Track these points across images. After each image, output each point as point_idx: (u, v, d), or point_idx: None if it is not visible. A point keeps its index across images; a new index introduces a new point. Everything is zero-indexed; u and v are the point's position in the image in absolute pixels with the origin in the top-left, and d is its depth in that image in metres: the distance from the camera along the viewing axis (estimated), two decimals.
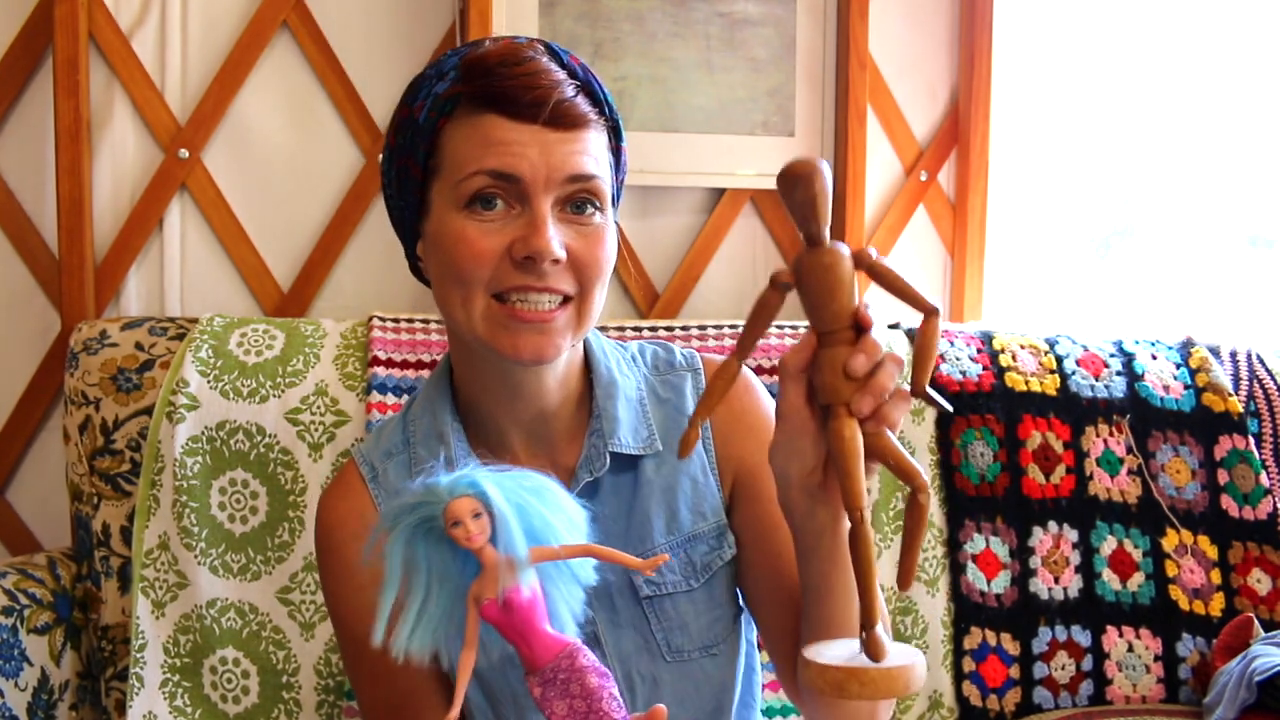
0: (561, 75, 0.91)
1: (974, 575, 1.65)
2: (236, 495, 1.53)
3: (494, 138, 0.89)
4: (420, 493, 0.73)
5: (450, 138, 0.91)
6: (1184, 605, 1.66)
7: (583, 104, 0.92)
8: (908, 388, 0.76)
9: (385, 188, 0.99)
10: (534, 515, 0.74)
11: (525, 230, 0.90)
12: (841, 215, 1.91)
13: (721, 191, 1.94)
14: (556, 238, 0.90)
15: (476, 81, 0.90)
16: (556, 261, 0.90)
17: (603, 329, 1.66)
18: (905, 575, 0.75)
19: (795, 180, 0.70)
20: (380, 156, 0.99)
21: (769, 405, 1.06)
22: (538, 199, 0.90)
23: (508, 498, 0.73)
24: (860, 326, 0.73)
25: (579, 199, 0.92)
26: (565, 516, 0.76)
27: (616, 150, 0.98)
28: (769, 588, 1.02)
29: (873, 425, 0.75)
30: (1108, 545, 1.68)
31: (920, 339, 0.74)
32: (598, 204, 0.93)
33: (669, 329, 1.70)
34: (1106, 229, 2.19)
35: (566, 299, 0.93)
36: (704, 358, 1.08)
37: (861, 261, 0.74)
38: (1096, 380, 1.73)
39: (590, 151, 0.92)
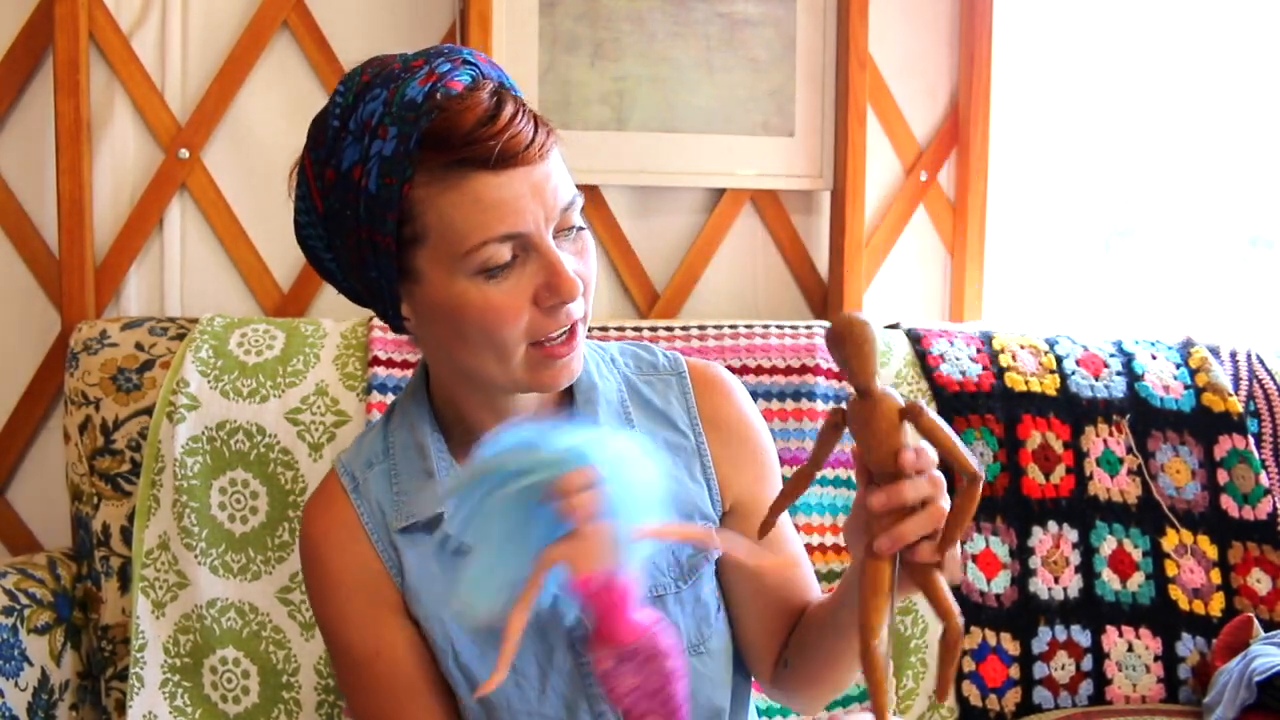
0: (512, 104, 0.89)
1: (974, 575, 1.65)
2: (237, 495, 1.53)
3: (490, 199, 0.86)
4: (524, 457, 0.73)
5: (432, 205, 0.87)
6: (1184, 605, 1.66)
7: (535, 122, 0.89)
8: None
9: (320, 258, 0.97)
10: (639, 493, 0.75)
11: (545, 276, 0.88)
12: (841, 215, 1.91)
13: (721, 191, 1.94)
14: (571, 272, 0.89)
15: (459, 150, 0.85)
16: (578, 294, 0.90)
17: (603, 329, 1.67)
18: (943, 689, 0.79)
19: (839, 339, 0.76)
20: (298, 219, 0.96)
21: (764, 428, 1.08)
22: (544, 244, 0.88)
23: (622, 475, 0.74)
24: (900, 471, 0.77)
25: (568, 220, 0.91)
26: (660, 491, 0.77)
27: None
28: (752, 591, 1.04)
29: (908, 558, 0.78)
30: (1107, 545, 1.68)
31: (959, 502, 0.77)
32: (582, 217, 0.93)
33: (669, 329, 1.70)
34: (1107, 229, 2.19)
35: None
36: (688, 360, 1.08)
37: (909, 414, 0.78)
38: (1096, 380, 1.73)
39: (564, 169, 0.91)
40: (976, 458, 0.80)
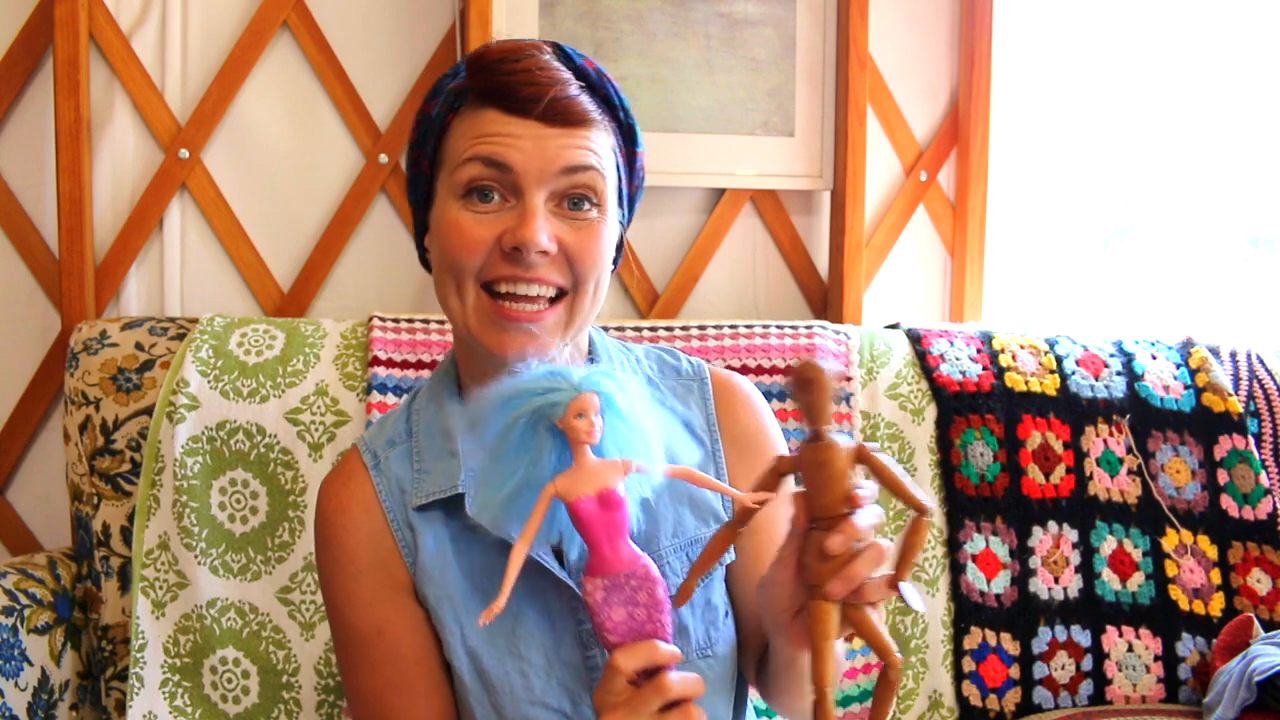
0: (564, 74, 0.93)
1: (974, 575, 1.65)
2: (236, 495, 1.53)
3: (489, 130, 0.92)
4: (547, 379, 0.77)
5: (454, 131, 0.94)
6: (1184, 605, 1.66)
7: (585, 102, 0.93)
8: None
9: (406, 184, 1.03)
10: (644, 432, 0.79)
11: (515, 221, 0.91)
12: (841, 215, 1.91)
13: (721, 191, 1.94)
14: (545, 229, 0.91)
15: (478, 77, 0.93)
16: (544, 253, 0.92)
17: (603, 329, 1.67)
18: None
19: (806, 384, 0.78)
20: (397, 156, 1.04)
21: (781, 443, 1.09)
22: (530, 191, 0.92)
23: (627, 406, 0.78)
24: (851, 509, 0.78)
25: (575, 194, 0.93)
26: (661, 436, 0.81)
27: (631, 156, 0.99)
28: (753, 594, 1.03)
29: (854, 599, 0.79)
30: (1108, 545, 1.68)
31: (907, 535, 0.80)
32: (594, 200, 0.94)
33: (669, 329, 1.70)
34: (1106, 229, 2.19)
35: (560, 295, 0.94)
36: (711, 369, 1.09)
37: (860, 457, 0.79)
38: (1096, 380, 1.73)
39: (589, 147, 0.93)
40: (924, 493, 0.81)
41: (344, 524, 1.00)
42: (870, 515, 0.79)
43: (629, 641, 0.80)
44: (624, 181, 1.00)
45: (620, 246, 1.04)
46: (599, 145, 0.94)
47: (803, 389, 0.79)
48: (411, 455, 1.01)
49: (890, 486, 0.80)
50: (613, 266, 1.03)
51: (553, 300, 0.94)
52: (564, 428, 0.77)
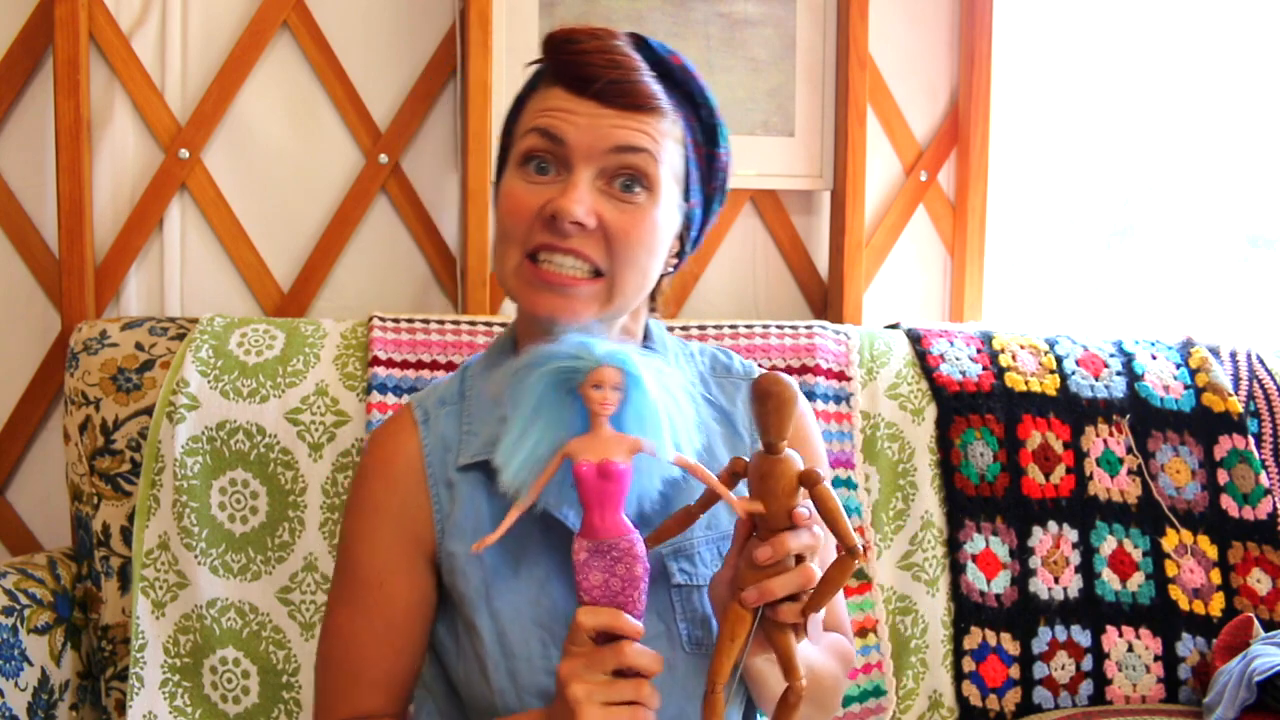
0: (633, 60, 0.96)
1: (974, 575, 1.65)
2: (236, 495, 1.53)
3: (551, 105, 0.96)
4: (576, 347, 0.81)
5: (526, 107, 1.00)
6: (1184, 605, 1.66)
7: (649, 89, 0.96)
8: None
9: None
10: (662, 416, 0.83)
11: (558, 192, 0.95)
12: (841, 215, 1.91)
13: None
14: (584, 202, 0.94)
15: (549, 55, 0.98)
16: (579, 225, 0.94)
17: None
18: None
19: (764, 395, 0.82)
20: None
21: (821, 452, 1.13)
22: (579, 166, 0.95)
23: (655, 389, 0.82)
24: (792, 525, 0.82)
25: (625, 175, 0.96)
26: (684, 423, 0.84)
27: (710, 155, 1.03)
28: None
29: (770, 613, 0.83)
30: (1107, 545, 1.68)
31: (832, 571, 0.83)
32: (645, 183, 0.96)
33: (669, 329, 1.70)
34: (1106, 229, 2.19)
35: (597, 274, 0.97)
36: (761, 370, 1.11)
37: (806, 481, 0.83)
38: (1096, 380, 1.73)
39: (644, 131, 0.96)
40: (857, 534, 0.85)
41: (384, 473, 1.04)
42: (804, 537, 0.82)
43: (602, 603, 0.84)
44: (698, 178, 1.02)
45: (697, 241, 1.07)
46: (659, 132, 0.96)
47: (759, 401, 0.82)
48: (461, 416, 1.04)
49: (827, 518, 0.83)
50: (678, 261, 1.06)
51: (591, 275, 0.97)
52: (582, 395, 0.81)
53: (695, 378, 1.08)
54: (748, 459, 0.86)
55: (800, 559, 0.85)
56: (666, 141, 0.97)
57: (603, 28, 0.99)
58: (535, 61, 1.01)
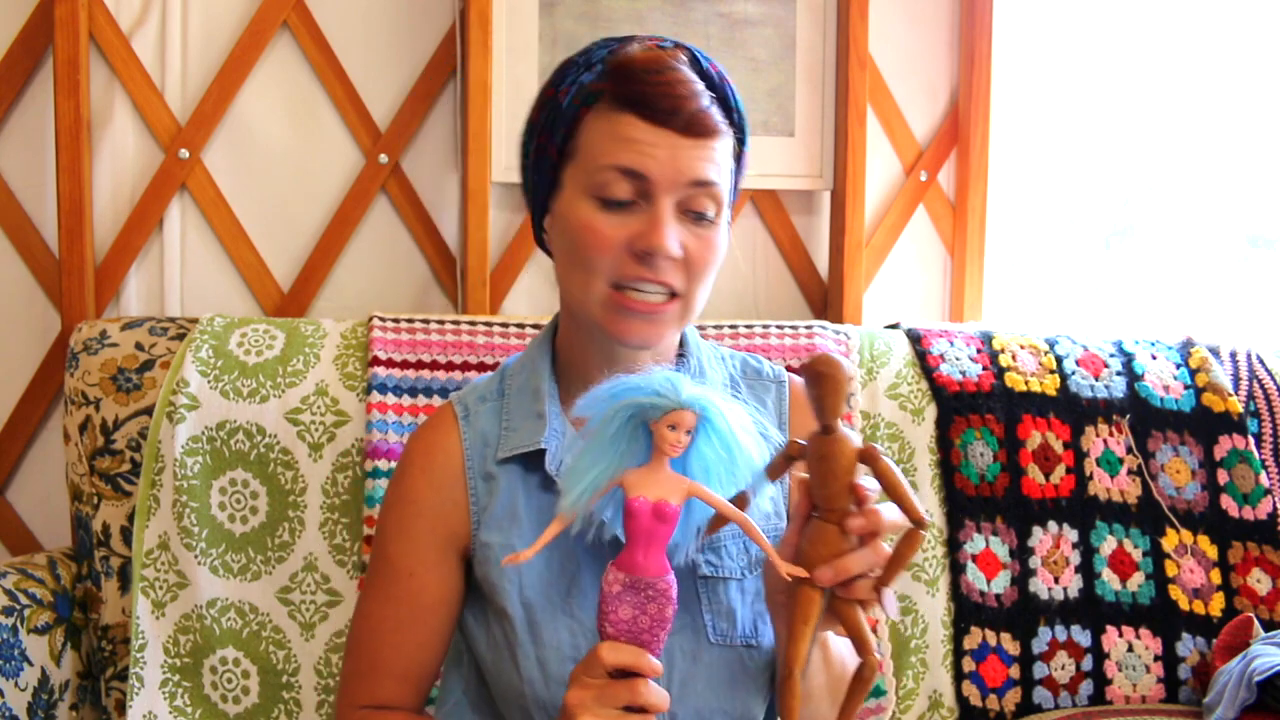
0: (699, 85, 0.98)
1: (974, 575, 1.65)
2: (236, 495, 1.53)
3: (629, 136, 0.96)
4: (661, 384, 0.82)
5: (589, 128, 0.99)
6: (1184, 605, 1.66)
7: (716, 114, 0.98)
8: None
9: (522, 159, 1.07)
10: (725, 463, 0.83)
11: (646, 226, 0.97)
12: (841, 215, 1.91)
13: None
14: (674, 236, 0.97)
15: (621, 83, 0.97)
16: (671, 258, 0.97)
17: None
18: None
19: (819, 377, 0.80)
20: (523, 133, 1.07)
21: None
22: (661, 198, 0.97)
23: (725, 432, 0.82)
24: (858, 500, 0.82)
25: (698, 204, 0.99)
26: (748, 468, 0.84)
27: (740, 154, 1.05)
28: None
29: (842, 592, 0.82)
30: (1107, 545, 1.68)
31: (900, 546, 0.82)
32: (715, 210, 1.00)
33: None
34: (1106, 228, 2.19)
35: (673, 295, 1.00)
36: (791, 376, 1.15)
37: (865, 457, 0.82)
38: (1096, 380, 1.73)
39: (715, 159, 0.99)
40: (924, 507, 0.84)
41: (424, 467, 1.07)
42: (893, 512, 0.82)
43: (623, 640, 0.84)
44: (734, 180, 1.06)
45: None
46: (722, 154, 1.00)
47: (814, 383, 0.81)
48: (501, 413, 1.08)
49: (892, 493, 0.81)
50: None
51: (670, 297, 1.00)
52: (654, 431, 0.81)
53: (726, 380, 1.11)
54: (803, 442, 0.85)
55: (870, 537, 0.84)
56: (725, 161, 1.01)
57: (668, 49, 1.00)
58: (595, 82, 0.99)
